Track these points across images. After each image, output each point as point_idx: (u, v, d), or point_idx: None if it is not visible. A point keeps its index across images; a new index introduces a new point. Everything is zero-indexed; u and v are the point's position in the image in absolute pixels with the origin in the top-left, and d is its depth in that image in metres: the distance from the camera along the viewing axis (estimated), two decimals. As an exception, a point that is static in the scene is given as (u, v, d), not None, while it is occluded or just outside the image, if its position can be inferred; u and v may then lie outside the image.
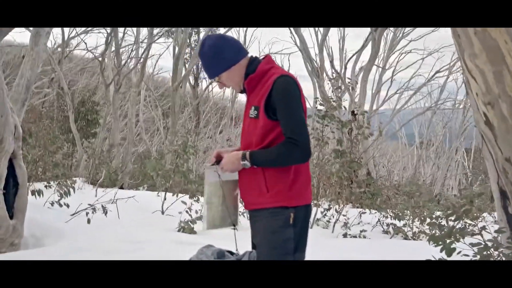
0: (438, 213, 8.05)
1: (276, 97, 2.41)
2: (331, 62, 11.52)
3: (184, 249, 5.36)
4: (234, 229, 2.72)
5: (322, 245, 6.44)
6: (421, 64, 29.85)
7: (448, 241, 3.56)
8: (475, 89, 3.55)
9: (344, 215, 7.44)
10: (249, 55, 2.61)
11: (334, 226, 7.56)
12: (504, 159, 3.50)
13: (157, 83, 37.04)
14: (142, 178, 15.92)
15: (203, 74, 31.72)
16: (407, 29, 21.64)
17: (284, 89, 2.43)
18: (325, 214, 7.80)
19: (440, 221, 3.83)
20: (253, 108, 2.51)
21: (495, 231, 3.59)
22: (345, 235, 7.18)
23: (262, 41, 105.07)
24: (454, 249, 3.56)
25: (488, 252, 3.41)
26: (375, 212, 7.81)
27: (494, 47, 3.42)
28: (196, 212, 6.69)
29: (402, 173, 28.43)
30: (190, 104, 30.91)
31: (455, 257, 3.43)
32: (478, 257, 3.42)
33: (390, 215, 7.63)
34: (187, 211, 6.70)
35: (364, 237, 7.13)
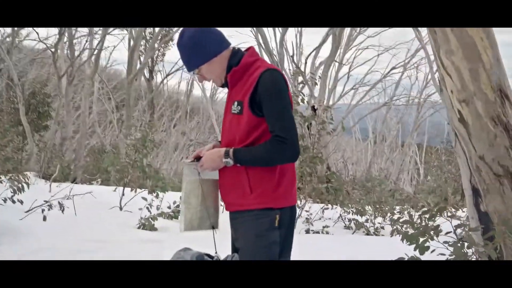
0: (397, 208, 8.16)
1: (263, 92, 2.27)
2: (292, 57, 11.47)
3: (147, 248, 5.20)
4: (213, 231, 2.58)
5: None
6: (377, 60, 30.23)
7: (421, 239, 3.54)
8: (450, 87, 3.53)
9: (307, 211, 7.41)
10: (231, 46, 2.46)
11: (295, 221, 7.51)
12: (477, 157, 3.50)
13: (109, 76, 36.20)
14: (96, 172, 15.49)
15: (158, 67, 31.24)
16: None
17: (271, 83, 2.28)
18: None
19: (415, 219, 3.80)
20: (236, 103, 2.36)
21: (469, 230, 3.59)
22: (307, 231, 7.15)
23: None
24: (428, 247, 3.55)
25: (465, 251, 3.41)
26: (336, 207, 7.80)
27: (471, 44, 3.40)
28: (157, 208, 6.51)
29: (355, 168, 28.83)
30: (145, 97, 30.37)
31: (434, 256, 3.41)
32: (454, 257, 3.41)
33: (351, 210, 7.65)
34: (147, 208, 6.50)
35: (327, 232, 7.12)
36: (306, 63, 12.74)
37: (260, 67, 2.34)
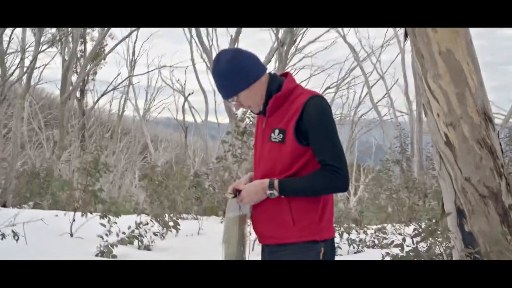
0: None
1: (310, 120, 2.16)
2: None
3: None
4: None
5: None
6: (309, 80, 30.79)
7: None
8: (437, 110, 3.59)
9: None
10: (268, 71, 2.35)
11: (253, 244, 7.42)
12: (463, 179, 3.56)
13: (36, 94, 34.77)
14: (29, 196, 14.72)
15: (89, 86, 30.30)
16: (301, 44, 22.31)
17: (319, 111, 2.18)
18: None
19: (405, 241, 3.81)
20: (277, 131, 2.23)
21: (462, 250, 3.64)
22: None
23: (151, 53, 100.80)
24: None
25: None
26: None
27: (458, 68, 3.48)
28: (117, 235, 6.22)
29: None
30: (74, 117, 29.35)
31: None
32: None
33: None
34: (106, 234, 6.20)
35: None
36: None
37: (302, 93, 2.24)
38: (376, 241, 8.24)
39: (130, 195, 21.04)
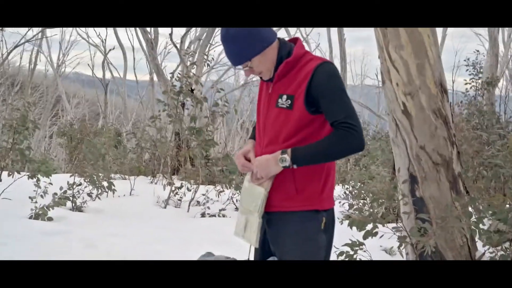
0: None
1: (320, 85, 2.10)
2: (170, 34, 11.06)
3: (52, 241, 4.74)
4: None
5: (181, 226, 6.30)
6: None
7: (369, 225, 3.67)
8: (396, 79, 3.68)
9: (203, 194, 7.31)
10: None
11: (189, 205, 7.38)
12: (419, 147, 3.71)
13: None
14: None
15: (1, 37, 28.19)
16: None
17: (330, 76, 2.13)
18: (176, 193, 7.55)
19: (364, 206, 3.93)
20: (284, 97, 2.17)
21: (403, 213, 3.81)
22: (203, 215, 7.06)
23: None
24: (371, 232, 3.69)
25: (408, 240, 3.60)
26: (231, 190, 7.78)
27: (419, 40, 3.58)
28: (53, 196, 5.92)
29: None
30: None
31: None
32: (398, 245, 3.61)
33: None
34: (42, 196, 5.90)
35: (224, 216, 7.11)
36: (182, 41, 12.43)
37: (312, 60, 2.18)
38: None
39: (48, 153, 20.10)
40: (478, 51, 11.90)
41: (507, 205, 3.64)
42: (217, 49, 25.08)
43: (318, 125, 2.18)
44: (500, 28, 13.63)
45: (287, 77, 2.19)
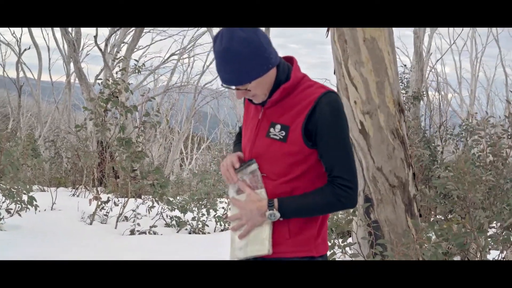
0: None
1: (323, 120, 1.81)
2: (95, 37, 10.40)
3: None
4: None
5: (109, 244, 5.87)
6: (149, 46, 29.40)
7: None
8: (354, 97, 3.52)
9: (133, 210, 6.84)
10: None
11: (117, 221, 6.90)
12: (375, 168, 3.56)
13: None
14: None
15: None
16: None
17: (335, 113, 1.83)
18: (103, 207, 7.05)
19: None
20: (278, 127, 1.86)
21: (362, 238, 3.66)
22: (132, 232, 6.61)
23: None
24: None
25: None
26: (161, 204, 7.37)
27: (380, 57, 3.44)
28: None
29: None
30: None
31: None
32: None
33: (174, 207, 7.31)
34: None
35: (155, 233, 6.69)
36: (106, 44, 11.78)
37: (312, 86, 1.88)
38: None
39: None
40: (405, 65, 12.21)
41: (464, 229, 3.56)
42: (138, 53, 24.30)
43: (315, 160, 1.88)
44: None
45: (281, 104, 1.89)
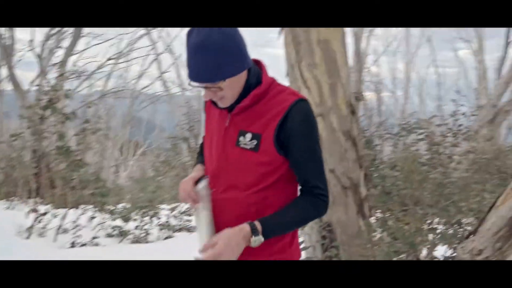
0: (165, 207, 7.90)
1: (295, 129, 1.73)
2: (31, 41, 9.93)
3: None
4: None
5: (47, 259, 5.60)
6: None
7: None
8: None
9: (74, 222, 6.57)
10: None
11: (56, 234, 6.59)
12: (328, 170, 3.57)
13: None
14: None
15: None
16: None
17: (308, 121, 1.75)
18: (40, 220, 6.72)
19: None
20: (249, 135, 1.76)
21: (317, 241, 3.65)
22: (73, 244, 6.34)
23: None
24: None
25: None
26: (104, 214, 7.11)
27: (333, 59, 3.46)
28: None
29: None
30: None
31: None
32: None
33: (116, 216, 7.08)
34: None
35: (97, 244, 6.45)
36: (43, 49, 11.27)
37: (283, 92, 1.78)
38: (181, 223, 8.02)
39: None
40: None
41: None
42: (73, 58, 23.49)
43: (286, 168, 1.80)
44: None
45: (251, 110, 1.78)
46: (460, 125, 4.69)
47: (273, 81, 1.80)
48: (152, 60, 25.11)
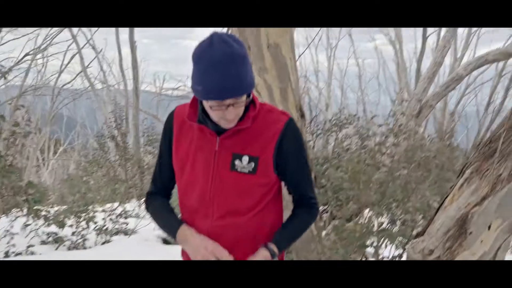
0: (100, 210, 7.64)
1: (291, 151, 1.76)
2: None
3: None
4: None
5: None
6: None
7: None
8: (258, 104, 3.50)
9: (7, 231, 6.22)
10: None
11: (-13, 243, 6.24)
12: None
13: None
14: None
15: None
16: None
17: (301, 138, 1.82)
18: (-33, 230, 6.34)
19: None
20: (245, 158, 1.72)
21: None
22: (7, 254, 6.02)
23: None
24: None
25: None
26: (38, 220, 6.76)
27: (283, 63, 3.47)
28: None
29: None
30: None
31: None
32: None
33: (50, 222, 6.77)
34: None
35: (33, 253, 6.14)
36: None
37: (271, 111, 1.78)
38: (117, 227, 7.76)
39: None
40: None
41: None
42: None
43: (278, 187, 1.88)
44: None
45: (242, 133, 1.73)
46: (400, 125, 4.83)
47: (261, 102, 1.79)
48: (73, 55, 24.34)
